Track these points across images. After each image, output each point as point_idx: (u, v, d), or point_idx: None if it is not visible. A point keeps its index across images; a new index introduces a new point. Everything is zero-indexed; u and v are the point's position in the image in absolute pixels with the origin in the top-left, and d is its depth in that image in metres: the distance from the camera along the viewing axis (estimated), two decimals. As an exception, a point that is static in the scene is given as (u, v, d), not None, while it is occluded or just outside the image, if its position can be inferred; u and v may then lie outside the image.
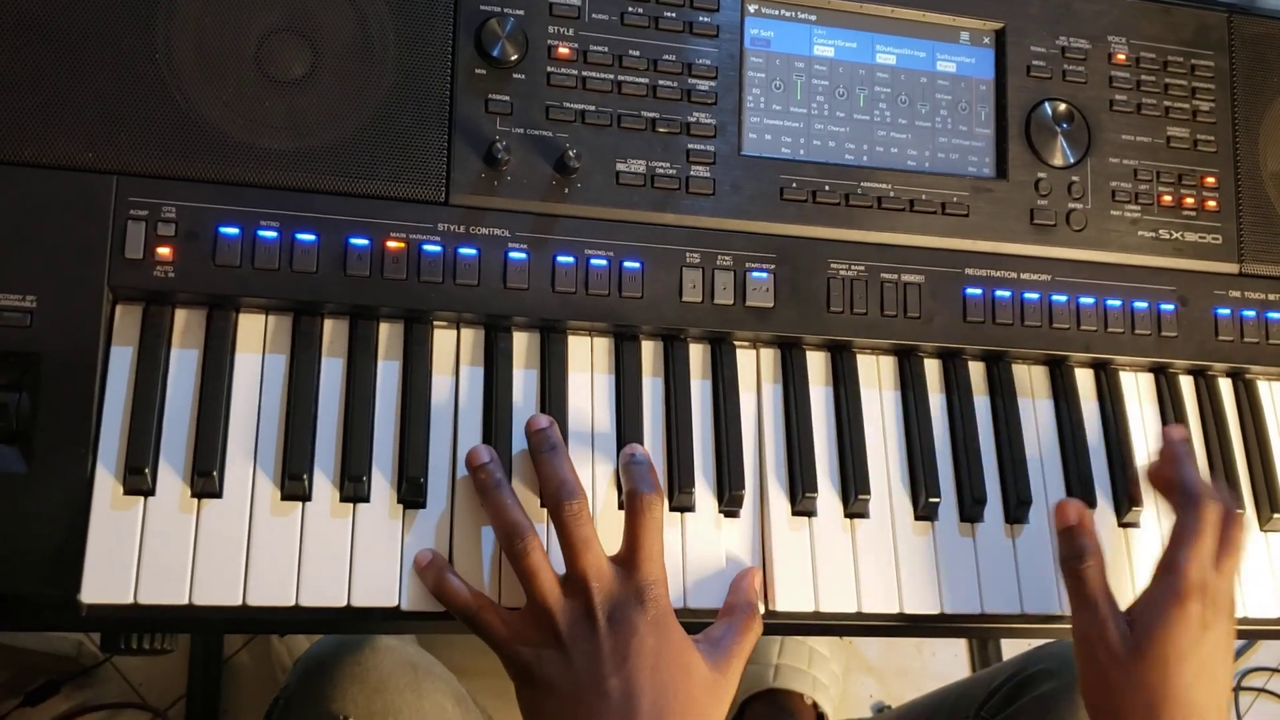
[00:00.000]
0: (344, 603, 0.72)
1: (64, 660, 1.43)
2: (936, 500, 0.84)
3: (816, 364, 0.86)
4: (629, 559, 0.74)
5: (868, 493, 0.83)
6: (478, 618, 0.73)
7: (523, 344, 0.81)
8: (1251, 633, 0.92)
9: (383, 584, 0.73)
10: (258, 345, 0.76)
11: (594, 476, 0.79)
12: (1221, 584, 0.78)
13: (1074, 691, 0.91)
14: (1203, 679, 0.74)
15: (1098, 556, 0.80)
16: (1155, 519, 0.89)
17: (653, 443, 0.81)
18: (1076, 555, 0.80)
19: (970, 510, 0.85)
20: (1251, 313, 0.94)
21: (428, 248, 0.78)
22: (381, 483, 0.75)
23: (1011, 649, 1.63)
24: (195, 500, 0.72)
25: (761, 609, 0.79)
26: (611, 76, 0.83)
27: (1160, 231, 0.93)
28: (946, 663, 1.73)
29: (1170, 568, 0.78)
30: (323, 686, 0.84)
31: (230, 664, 1.47)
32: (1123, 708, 0.75)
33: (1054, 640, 1.01)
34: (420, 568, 0.74)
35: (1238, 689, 1.84)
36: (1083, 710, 0.80)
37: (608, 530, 0.77)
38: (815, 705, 1.49)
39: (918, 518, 0.84)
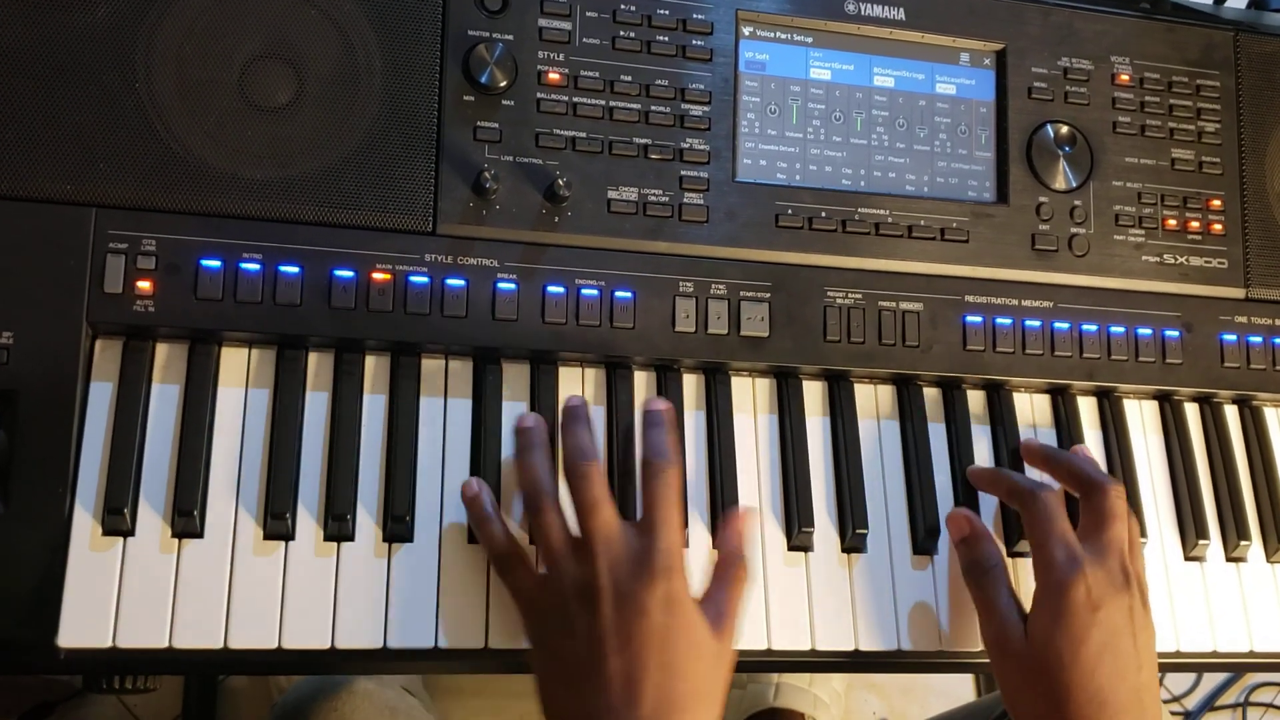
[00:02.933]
0: (328, 645, 0.71)
1: (58, 682, 1.41)
2: (936, 534, 0.82)
3: (813, 394, 0.85)
4: (644, 525, 0.71)
5: (865, 527, 0.81)
6: (504, 563, 0.72)
7: (512, 376, 0.79)
8: (1260, 666, 0.90)
9: (368, 625, 0.71)
10: (240, 380, 0.75)
11: (585, 511, 0.78)
12: (1105, 560, 0.76)
13: None
14: (1105, 660, 0.72)
15: (998, 562, 0.78)
16: (1160, 550, 0.88)
17: (645, 476, 0.79)
18: (977, 565, 0.79)
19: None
20: (1258, 338, 0.92)
21: (414, 279, 0.76)
22: (367, 520, 0.74)
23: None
24: (176, 540, 0.71)
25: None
26: (603, 102, 0.81)
27: (1165, 256, 0.91)
28: (951, 680, 1.71)
29: (1038, 562, 0.77)
30: None
31: (225, 685, 1.45)
32: (1035, 706, 0.74)
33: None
34: (466, 497, 0.73)
35: (1245, 704, 1.82)
36: None
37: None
38: (817, 725, 1.47)
39: (916, 551, 0.82)
